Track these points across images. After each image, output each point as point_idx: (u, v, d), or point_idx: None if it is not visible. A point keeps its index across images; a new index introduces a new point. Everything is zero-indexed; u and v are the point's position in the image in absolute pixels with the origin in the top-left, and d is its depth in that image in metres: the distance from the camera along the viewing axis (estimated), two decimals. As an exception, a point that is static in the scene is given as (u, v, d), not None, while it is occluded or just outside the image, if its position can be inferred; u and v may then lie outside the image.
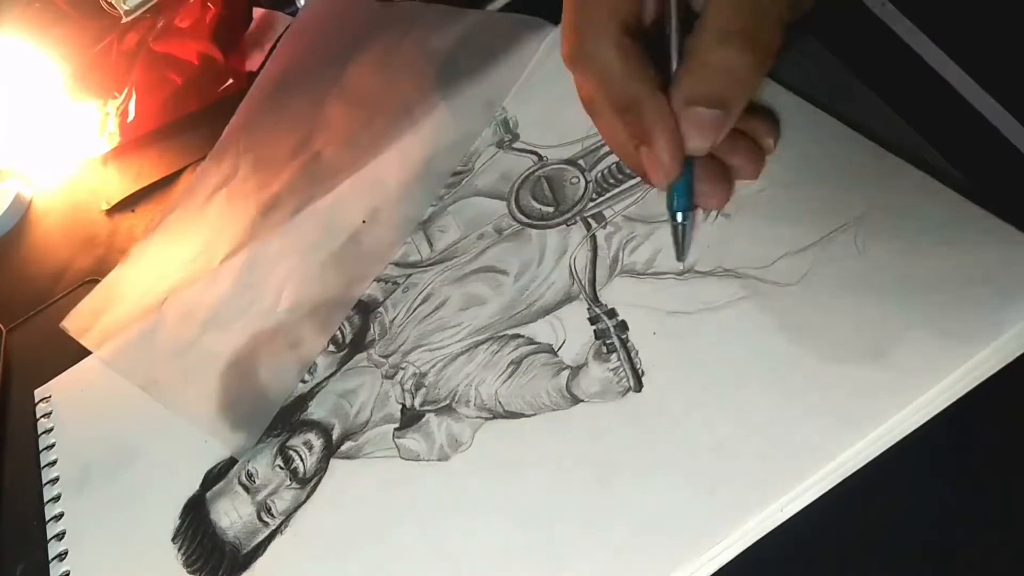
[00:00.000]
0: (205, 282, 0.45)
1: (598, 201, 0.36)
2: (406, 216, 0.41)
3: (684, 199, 0.30)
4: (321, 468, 0.34)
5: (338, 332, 0.39)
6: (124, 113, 0.64)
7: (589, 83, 0.29)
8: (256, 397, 0.38)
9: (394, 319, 0.38)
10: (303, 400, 0.37)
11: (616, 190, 0.36)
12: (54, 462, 0.43)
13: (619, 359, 0.30)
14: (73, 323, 0.49)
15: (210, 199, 0.51)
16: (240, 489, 0.36)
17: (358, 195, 0.44)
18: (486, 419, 0.32)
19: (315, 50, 0.53)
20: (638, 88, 0.27)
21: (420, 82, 0.45)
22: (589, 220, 0.36)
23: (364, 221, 0.42)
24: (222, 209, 0.49)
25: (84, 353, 0.46)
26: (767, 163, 0.32)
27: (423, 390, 0.34)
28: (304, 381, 0.38)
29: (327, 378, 0.38)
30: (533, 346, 0.33)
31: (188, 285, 0.46)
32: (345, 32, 0.52)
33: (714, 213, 0.32)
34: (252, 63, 0.60)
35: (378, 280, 0.40)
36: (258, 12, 0.62)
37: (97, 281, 0.52)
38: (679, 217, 0.31)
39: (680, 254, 0.32)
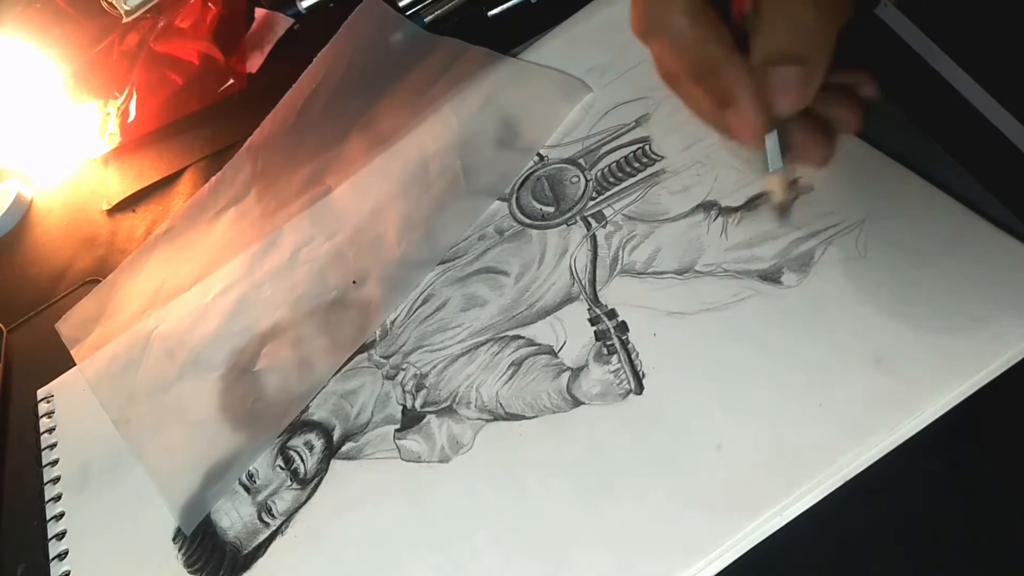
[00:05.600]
0: (195, 317, 0.45)
1: (598, 200, 0.36)
2: (394, 287, 0.39)
3: (777, 158, 0.29)
4: (322, 469, 0.34)
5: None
6: (125, 113, 0.63)
7: (663, 52, 0.29)
8: (211, 470, 0.37)
9: (395, 320, 0.38)
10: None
11: (616, 189, 0.36)
12: (55, 462, 0.43)
13: (619, 360, 0.30)
14: (67, 328, 0.49)
15: (218, 216, 0.50)
16: (241, 489, 0.36)
17: (355, 250, 0.42)
18: (487, 421, 0.32)
19: (351, 72, 0.51)
20: (714, 50, 0.27)
21: (442, 134, 0.43)
22: (589, 219, 0.36)
23: (354, 282, 0.40)
24: (227, 232, 0.48)
25: (85, 353, 0.47)
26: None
27: (424, 391, 0.34)
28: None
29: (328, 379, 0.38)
30: (534, 347, 0.33)
31: (179, 315, 0.45)
32: (385, 58, 0.50)
33: (720, 215, 0.32)
34: (253, 64, 0.60)
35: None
36: (259, 12, 0.62)
37: (98, 281, 0.52)
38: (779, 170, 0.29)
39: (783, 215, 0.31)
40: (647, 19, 0.28)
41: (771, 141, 0.29)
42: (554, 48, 0.43)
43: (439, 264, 0.38)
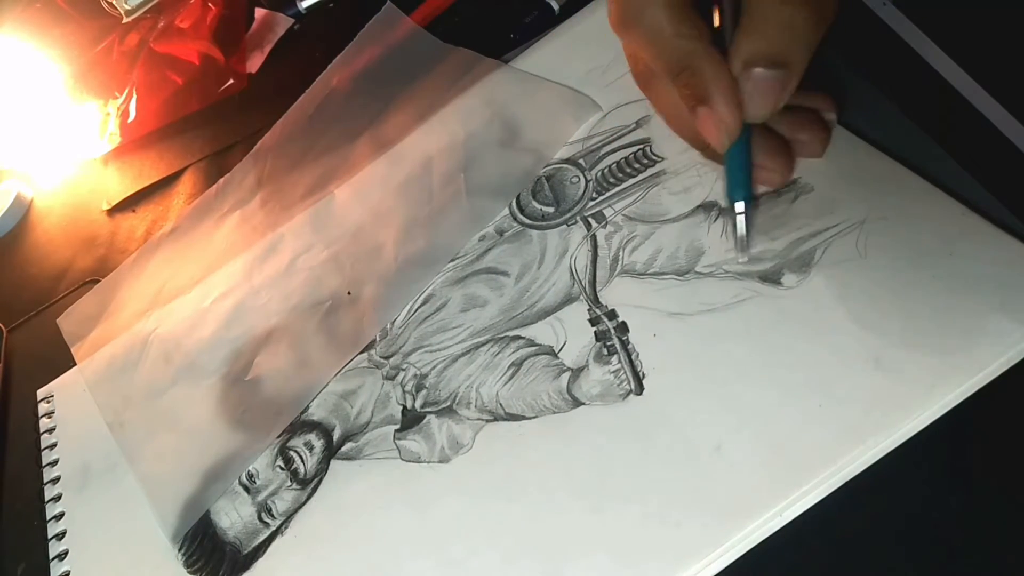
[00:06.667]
0: (192, 321, 0.45)
1: (598, 200, 0.36)
2: (387, 301, 0.38)
3: (744, 188, 0.29)
4: (322, 469, 0.34)
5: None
6: (125, 113, 0.64)
7: (640, 47, 0.28)
8: (201, 479, 0.37)
9: (395, 320, 0.38)
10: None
11: (616, 189, 0.36)
12: (55, 462, 0.43)
13: (620, 361, 0.30)
14: (68, 324, 0.49)
15: (223, 219, 0.50)
16: (240, 489, 0.36)
17: (352, 260, 0.42)
18: (487, 421, 0.32)
19: (365, 79, 0.51)
20: (692, 45, 0.26)
21: (448, 145, 0.43)
22: (589, 220, 0.36)
23: (349, 293, 0.40)
24: (230, 235, 0.48)
25: (85, 353, 0.47)
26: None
27: (424, 391, 0.34)
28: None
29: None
30: (534, 348, 0.33)
31: (178, 318, 0.45)
32: (399, 67, 0.50)
33: (720, 216, 0.32)
34: (253, 64, 0.60)
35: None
36: (259, 12, 0.62)
37: (98, 281, 0.52)
38: (740, 207, 0.29)
39: (742, 246, 0.30)
40: (626, 11, 0.27)
41: (735, 164, 0.28)
42: (556, 48, 0.43)
43: (439, 264, 0.38)
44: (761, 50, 0.26)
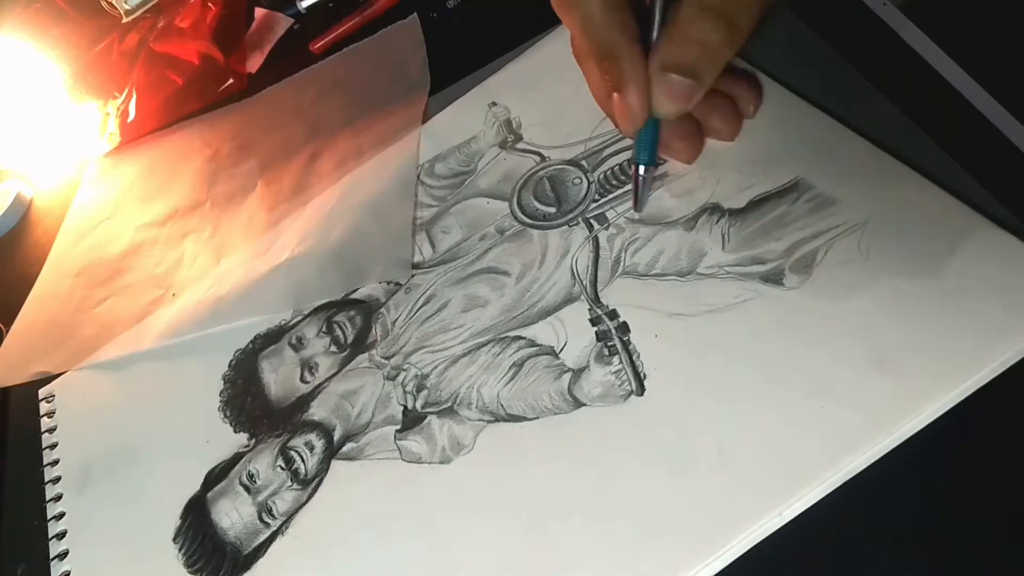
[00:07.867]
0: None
1: (601, 202, 0.36)
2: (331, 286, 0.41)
3: (647, 154, 0.32)
4: (322, 469, 0.34)
5: (340, 332, 0.39)
6: (124, 113, 0.63)
7: (573, 29, 0.31)
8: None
9: (396, 320, 0.38)
10: (304, 400, 0.37)
11: (619, 191, 0.36)
12: (56, 462, 0.43)
13: (621, 362, 0.30)
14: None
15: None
16: (241, 490, 0.36)
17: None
18: (488, 422, 0.32)
19: (363, 80, 0.52)
20: (615, 37, 0.29)
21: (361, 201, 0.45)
22: (591, 221, 0.36)
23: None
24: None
25: (85, 353, 0.46)
26: (772, 166, 0.32)
27: (425, 392, 0.34)
28: (306, 381, 0.38)
29: (328, 379, 0.38)
30: (535, 348, 0.33)
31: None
32: (396, 81, 0.51)
33: (723, 217, 0.32)
34: (252, 64, 0.60)
35: (381, 281, 0.40)
36: (259, 12, 0.62)
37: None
38: (641, 170, 0.33)
39: (638, 205, 0.34)
40: None
41: (645, 136, 0.31)
42: (554, 48, 0.43)
43: (440, 264, 0.38)
44: (676, 59, 0.28)
